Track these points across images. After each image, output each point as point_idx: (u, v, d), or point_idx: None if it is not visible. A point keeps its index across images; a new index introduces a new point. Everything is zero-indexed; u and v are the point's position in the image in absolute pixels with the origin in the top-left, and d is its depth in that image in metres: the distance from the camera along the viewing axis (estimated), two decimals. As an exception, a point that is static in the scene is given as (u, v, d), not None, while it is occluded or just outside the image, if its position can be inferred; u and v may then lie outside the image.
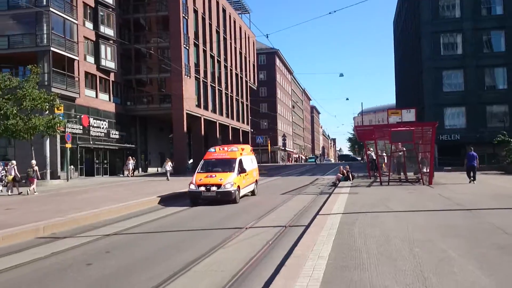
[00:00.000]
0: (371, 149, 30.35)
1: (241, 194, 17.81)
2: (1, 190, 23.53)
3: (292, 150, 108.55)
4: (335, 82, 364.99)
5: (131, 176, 38.45)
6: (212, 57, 55.33)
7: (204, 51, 52.66)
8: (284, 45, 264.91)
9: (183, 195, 19.27)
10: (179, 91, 44.92)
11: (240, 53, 67.52)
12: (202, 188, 16.88)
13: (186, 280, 7.23)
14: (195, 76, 49.41)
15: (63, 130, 31.59)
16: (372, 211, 12.53)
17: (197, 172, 18.11)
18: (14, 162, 23.55)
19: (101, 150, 41.63)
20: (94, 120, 40.32)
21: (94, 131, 40.10)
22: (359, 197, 16.77)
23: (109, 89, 43.49)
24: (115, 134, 43.45)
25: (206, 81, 52.85)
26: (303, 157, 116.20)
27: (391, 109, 35.37)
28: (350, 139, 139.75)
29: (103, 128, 41.61)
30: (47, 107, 28.45)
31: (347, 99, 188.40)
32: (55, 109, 29.66)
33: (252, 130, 73.00)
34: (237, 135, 64.20)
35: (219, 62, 57.71)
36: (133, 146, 46.16)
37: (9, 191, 22.57)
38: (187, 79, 46.64)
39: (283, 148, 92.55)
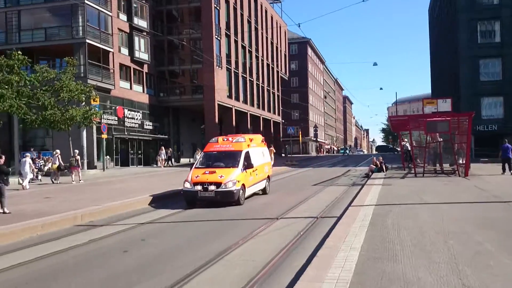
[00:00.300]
0: (406, 139, 29.80)
1: (247, 194, 15.16)
2: (40, 180, 24.35)
3: (323, 141, 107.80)
4: (368, 72, 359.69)
5: (164, 167, 39.06)
6: (243, 47, 55.35)
7: (236, 42, 52.73)
8: (316, 34, 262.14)
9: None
10: (211, 82, 45.22)
11: (272, 43, 67.25)
12: (198, 187, 14.09)
13: (218, 268, 7.33)
14: (227, 67, 49.58)
15: (99, 121, 32.32)
16: (406, 203, 12.35)
17: (194, 168, 15.48)
18: (58, 151, 24.59)
19: (135, 140, 42.45)
20: (129, 111, 41.09)
21: (128, 122, 40.88)
22: (393, 188, 16.54)
23: (143, 80, 44.19)
24: (148, 125, 44.19)
25: (237, 71, 52.97)
26: (335, 148, 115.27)
27: (427, 99, 34.64)
28: (383, 130, 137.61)
29: (137, 119, 42.38)
30: (84, 98, 29.14)
31: (381, 88, 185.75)
32: (91, 100, 30.36)
33: (283, 120, 72.80)
34: (268, 126, 64.18)
35: (250, 52, 57.67)
36: (166, 136, 46.84)
37: (54, 179, 23.43)
38: (219, 70, 46.85)
39: (314, 139, 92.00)
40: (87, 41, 35.33)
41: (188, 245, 9.18)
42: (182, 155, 50.70)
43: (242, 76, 54.51)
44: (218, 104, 46.04)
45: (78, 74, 32.63)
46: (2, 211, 12.43)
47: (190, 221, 12.09)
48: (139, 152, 43.36)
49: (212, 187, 13.98)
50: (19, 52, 25.70)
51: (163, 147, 41.48)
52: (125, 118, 40.34)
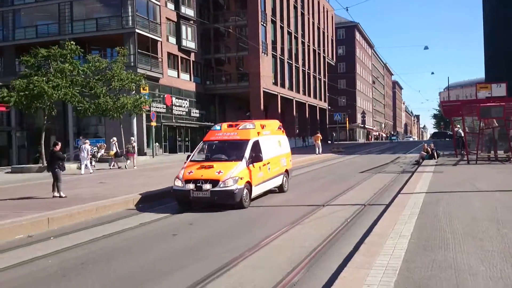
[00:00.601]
0: (458, 125, 28.73)
1: (255, 193, 12.45)
2: (94, 165, 25.35)
3: (371, 127, 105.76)
4: (419, 56, 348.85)
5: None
6: (289, 33, 54.91)
7: (282, 28, 52.37)
8: (364, 18, 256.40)
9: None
10: (256, 69, 45.25)
11: (318, 28, 66.32)
12: (191, 186, 11.43)
13: (265, 253, 7.41)
14: (272, 54, 49.41)
15: (148, 109, 33.11)
16: (457, 191, 11.96)
17: (190, 161, 12.79)
18: (115, 138, 26.15)
19: (182, 128, 43.25)
20: (176, 99, 41.85)
21: (176, 110, 41.68)
22: (444, 176, 16.04)
23: (190, 69, 44.81)
24: (195, 112, 44.88)
25: (283, 58, 52.68)
26: (384, 135, 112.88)
27: (480, 83, 33.15)
28: (435, 116, 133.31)
29: (184, 107, 43.13)
30: (134, 87, 29.92)
31: (432, 73, 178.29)
32: (141, 89, 31.14)
33: (329, 107, 71.96)
34: (314, 112, 63.66)
35: (296, 38, 57.15)
36: (212, 124, 47.31)
37: (112, 165, 24.54)
38: (264, 56, 46.77)
39: (362, 125, 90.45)
40: (137, 30, 36.14)
41: (236, 229, 9.34)
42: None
43: (287, 62, 54.17)
44: (263, 91, 46.06)
45: (128, 63, 33.48)
46: (58, 195, 13.04)
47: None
48: (186, 139, 44.17)
49: (207, 186, 11.31)
50: (72, 42, 26.61)
51: (208, 135, 41.91)
52: (173, 106, 41.13)
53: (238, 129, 13.23)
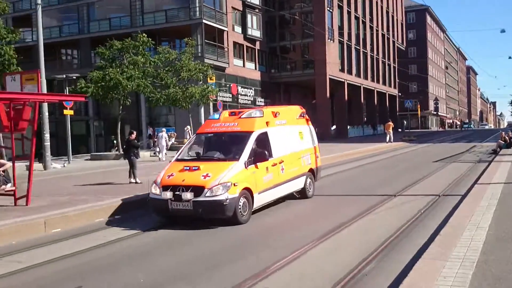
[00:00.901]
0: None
1: (260, 203, 9.55)
2: (166, 153, 26.31)
3: (445, 114, 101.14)
4: (495, 39, 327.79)
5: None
6: (356, 18, 53.54)
7: (349, 13, 51.18)
8: (435, 1, 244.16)
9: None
10: (322, 56, 44.63)
11: (387, 12, 64.08)
12: (168, 194, 8.73)
13: (337, 240, 7.41)
14: (339, 40, 48.48)
15: (215, 98, 33.75)
16: (541, 181, 11.21)
17: (174, 160, 10.15)
18: (188, 127, 27.87)
19: (248, 117, 43.66)
20: (242, 89, 42.28)
21: (242, 99, 42.12)
22: (525, 165, 15.08)
23: (255, 57, 45.03)
24: (260, 101, 45.10)
25: (350, 44, 51.53)
26: (458, 122, 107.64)
27: None
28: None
29: (249, 96, 43.49)
30: (201, 77, 30.61)
31: (510, 57, 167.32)
32: (208, 78, 31.79)
33: (400, 94, 69.56)
34: (383, 99, 61.85)
35: (364, 23, 55.64)
36: (278, 112, 47.45)
37: None
38: (330, 43, 46.01)
39: (435, 112, 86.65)
40: (204, 21, 36.79)
41: (312, 214, 9.32)
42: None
43: (355, 48, 52.93)
44: (329, 78, 45.38)
45: (196, 54, 34.19)
46: (134, 181, 13.72)
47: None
48: (253, 128, 44.53)
49: (188, 195, 8.52)
50: (144, 34, 27.62)
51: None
52: (239, 95, 41.59)
53: (240, 118, 10.29)
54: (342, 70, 49.22)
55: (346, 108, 49.81)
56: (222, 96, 38.23)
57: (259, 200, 9.46)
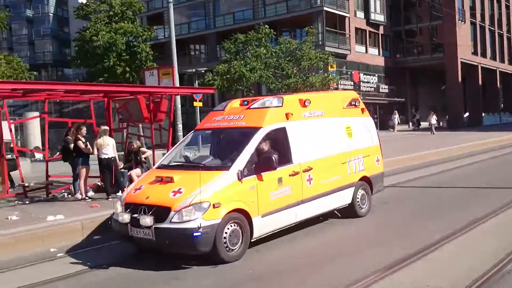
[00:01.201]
0: None
1: (266, 230, 6.91)
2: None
3: None
4: None
5: (396, 132, 38.25)
6: (491, -4, 48.84)
7: (481, -9, 46.86)
8: None
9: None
10: (452, 38, 41.49)
11: (528, -13, 57.37)
12: (125, 217, 6.47)
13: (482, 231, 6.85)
14: (471, 21, 44.67)
15: (336, 86, 33.30)
16: None
17: (157, 166, 7.77)
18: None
19: (371, 105, 42.24)
20: (364, 76, 41.12)
21: (364, 86, 40.97)
22: None
23: (378, 43, 43.47)
24: (384, 88, 43.50)
25: (483, 24, 47.17)
26: None
27: None
28: None
29: (372, 83, 42.16)
30: (322, 65, 30.39)
31: None
32: (329, 67, 31.45)
33: (544, 77, 62.09)
34: (523, 84, 55.74)
35: (498, 1, 50.55)
36: (402, 99, 45.40)
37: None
38: (461, 24, 42.59)
39: None
40: (325, 8, 36.41)
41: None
42: (421, 119, 48.44)
43: (489, 29, 48.34)
44: (461, 62, 42.12)
45: (316, 42, 33.98)
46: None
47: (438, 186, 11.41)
48: (375, 116, 43.13)
49: (147, 220, 6.14)
50: (266, 26, 28.17)
51: (396, 111, 40.49)
52: (361, 83, 40.54)
53: (248, 108, 7.67)
54: (475, 53, 45.42)
55: (480, 94, 45.91)
56: (344, 84, 37.57)
57: (264, 226, 6.81)
